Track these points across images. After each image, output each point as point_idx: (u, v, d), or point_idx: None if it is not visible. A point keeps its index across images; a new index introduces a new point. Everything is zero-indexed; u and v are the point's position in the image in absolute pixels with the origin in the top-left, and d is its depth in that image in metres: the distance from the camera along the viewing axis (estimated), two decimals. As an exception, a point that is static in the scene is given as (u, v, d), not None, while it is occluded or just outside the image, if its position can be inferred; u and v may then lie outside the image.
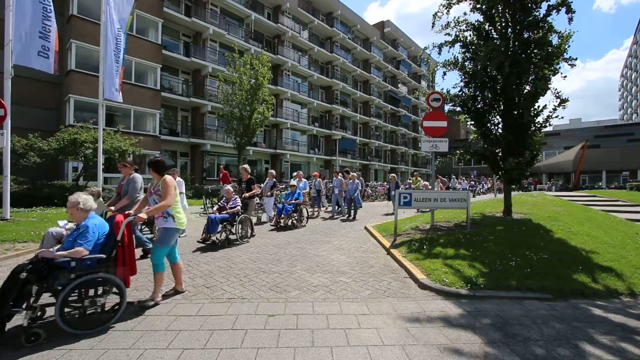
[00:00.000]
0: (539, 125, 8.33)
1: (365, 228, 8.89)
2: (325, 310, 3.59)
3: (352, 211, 11.12)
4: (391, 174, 13.74)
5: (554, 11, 7.75)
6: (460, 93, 8.86)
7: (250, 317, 3.39)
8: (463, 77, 8.75)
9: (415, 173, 17.96)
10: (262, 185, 10.27)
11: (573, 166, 31.25)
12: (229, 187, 7.32)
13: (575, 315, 3.65)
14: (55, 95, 18.19)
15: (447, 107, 9.56)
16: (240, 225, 7.03)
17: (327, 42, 33.29)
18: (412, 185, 15.47)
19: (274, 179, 10.00)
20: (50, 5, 8.32)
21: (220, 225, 6.67)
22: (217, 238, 6.67)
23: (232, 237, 7.00)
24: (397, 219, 7.37)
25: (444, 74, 9.06)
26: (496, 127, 8.79)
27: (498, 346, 2.91)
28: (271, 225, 9.13)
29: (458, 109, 8.97)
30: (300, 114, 29.95)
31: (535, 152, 8.43)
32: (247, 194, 7.48)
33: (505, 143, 8.22)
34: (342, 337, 2.98)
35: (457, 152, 9.12)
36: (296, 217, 9.13)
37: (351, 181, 11.26)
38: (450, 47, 8.66)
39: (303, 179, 10.79)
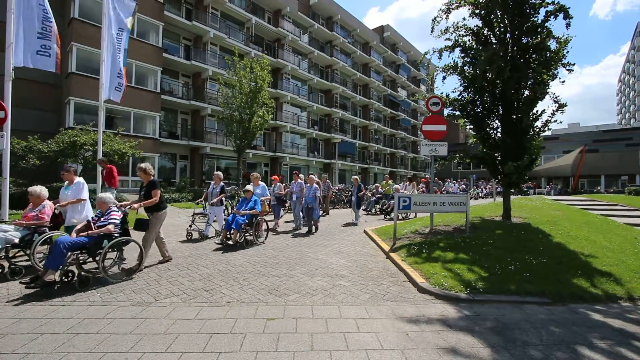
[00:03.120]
0: (537, 130, 8.37)
1: (365, 231, 8.89)
2: (324, 314, 3.58)
3: (312, 223, 9.09)
4: (354, 176, 11.42)
5: (552, 17, 7.82)
6: (459, 97, 8.90)
7: (249, 321, 3.38)
8: (462, 81, 8.79)
9: (386, 176, 15.90)
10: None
11: (572, 170, 31.35)
12: (105, 195, 4.92)
13: (574, 320, 3.65)
14: (55, 98, 18.20)
15: (446, 111, 9.61)
16: (118, 254, 4.76)
17: (327, 46, 33.45)
18: (381, 189, 14.44)
19: (222, 183, 8.25)
20: (47, 7, 8.34)
21: (75, 254, 4.32)
22: (58, 276, 4.15)
23: (95, 272, 4.57)
24: (396, 223, 7.37)
25: (444, 78, 9.11)
26: (495, 131, 8.82)
27: (497, 350, 2.91)
28: (216, 243, 7.08)
29: (457, 113, 9.01)
30: (300, 117, 30.02)
31: (534, 156, 8.46)
32: (135, 205, 5.01)
33: (504, 147, 8.25)
34: (342, 341, 2.98)
35: (457, 155, 9.14)
36: (250, 232, 7.17)
37: (308, 185, 9.24)
38: (450, 52, 8.73)
39: (261, 183, 8.75)
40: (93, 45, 15.63)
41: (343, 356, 2.73)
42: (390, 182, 14.43)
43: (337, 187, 19.28)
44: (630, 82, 65.58)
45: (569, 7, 7.58)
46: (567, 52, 7.90)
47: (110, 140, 12.47)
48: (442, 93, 9.01)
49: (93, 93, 14.00)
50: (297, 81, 29.99)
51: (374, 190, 15.44)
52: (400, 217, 11.93)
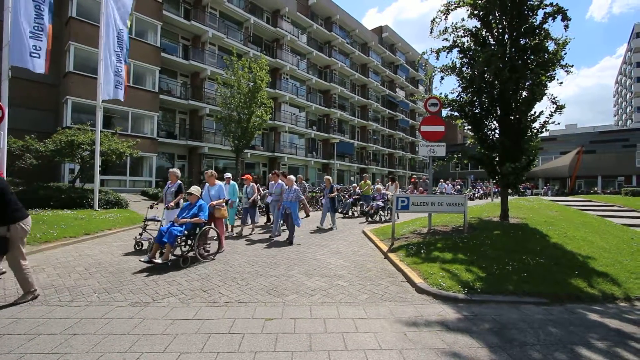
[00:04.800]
0: (535, 131, 8.40)
1: (363, 232, 8.90)
2: (322, 314, 3.58)
3: (289, 230, 7.66)
4: (326, 176, 10.27)
5: (550, 18, 7.85)
6: (457, 98, 8.92)
7: (247, 321, 3.38)
8: (461, 82, 8.82)
9: (365, 175, 14.26)
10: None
11: (569, 171, 31.47)
12: None
13: (572, 320, 3.66)
14: (53, 97, 18.12)
15: (444, 112, 9.62)
16: None
17: (325, 46, 33.47)
18: (359, 190, 13.36)
19: (179, 181, 6.74)
20: (43, 4, 8.23)
21: None
22: None
23: None
24: (395, 223, 7.37)
25: (442, 78, 9.13)
26: (493, 132, 8.85)
27: (495, 350, 2.92)
28: (141, 261, 5.16)
29: (455, 113, 9.02)
30: (298, 118, 30.02)
31: (531, 157, 8.49)
32: None
33: (502, 148, 8.27)
34: (340, 342, 2.98)
35: (455, 156, 9.17)
36: (193, 246, 5.49)
37: (287, 188, 7.84)
38: (448, 53, 8.74)
39: (218, 183, 6.88)
40: (91, 45, 15.57)
41: (341, 356, 2.74)
42: (369, 182, 13.40)
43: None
44: (627, 83, 65.97)
45: (567, 9, 7.63)
46: (565, 53, 7.94)
47: (108, 140, 12.41)
48: (440, 94, 9.03)
49: (91, 92, 13.96)
50: (295, 81, 30.00)
51: (351, 191, 14.04)
52: (383, 219, 11.20)
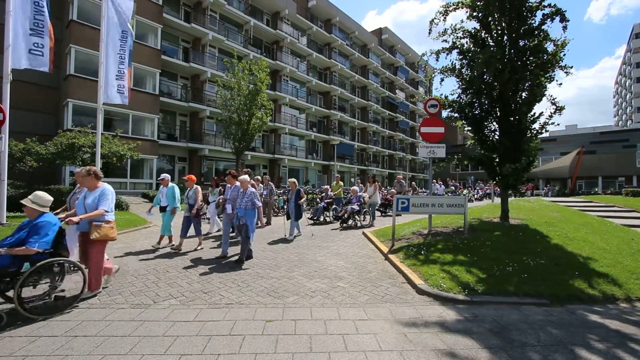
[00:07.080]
0: (535, 132, 8.42)
1: (363, 233, 8.90)
2: (323, 316, 3.59)
3: (242, 245, 5.96)
4: (290, 179, 8.88)
5: (549, 20, 7.89)
6: (457, 99, 8.94)
7: (248, 323, 3.38)
8: (460, 83, 8.84)
9: (336, 176, 12.78)
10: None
11: (569, 172, 31.45)
12: None
13: (572, 321, 3.66)
14: (54, 100, 18.18)
15: (444, 113, 9.63)
16: None
17: (325, 48, 33.55)
18: (331, 192, 12.04)
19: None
20: (42, 0, 8.17)
21: None
22: None
23: None
24: (395, 224, 7.38)
25: (442, 80, 9.15)
26: (493, 133, 8.86)
27: (495, 351, 2.92)
28: None
29: (455, 115, 9.04)
30: (298, 119, 30.07)
31: (531, 158, 8.50)
32: None
33: (502, 149, 8.29)
34: (340, 343, 2.98)
35: (455, 157, 9.17)
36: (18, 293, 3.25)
37: (242, 191, 6.04)
38: (447, 54, 8.78)
39: (103, 185, 4.27)
40: (92, 47, 15.63)
41: (342, 358, 2.74)
42: (341, 182, 12.21)
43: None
44: (627, 84, 66.00)
45: (565, 10, 7.66)
46: (564, 54, 7.96)
47: (108, 142, 12.46)
48: (441, 95, 9.05)
49: (91, 95, 14.00)
50: (295, 83, 30.06)
51: (323, 194, 12.72)
52: (359, 225, 10.45)
